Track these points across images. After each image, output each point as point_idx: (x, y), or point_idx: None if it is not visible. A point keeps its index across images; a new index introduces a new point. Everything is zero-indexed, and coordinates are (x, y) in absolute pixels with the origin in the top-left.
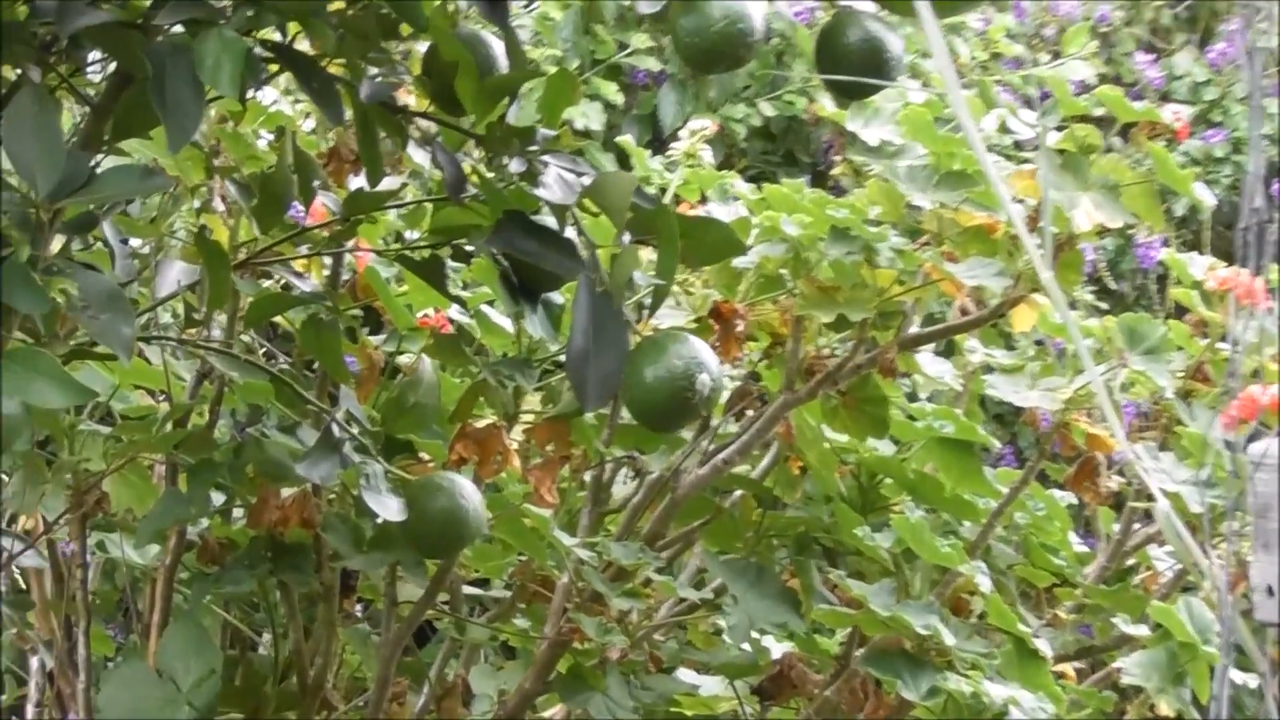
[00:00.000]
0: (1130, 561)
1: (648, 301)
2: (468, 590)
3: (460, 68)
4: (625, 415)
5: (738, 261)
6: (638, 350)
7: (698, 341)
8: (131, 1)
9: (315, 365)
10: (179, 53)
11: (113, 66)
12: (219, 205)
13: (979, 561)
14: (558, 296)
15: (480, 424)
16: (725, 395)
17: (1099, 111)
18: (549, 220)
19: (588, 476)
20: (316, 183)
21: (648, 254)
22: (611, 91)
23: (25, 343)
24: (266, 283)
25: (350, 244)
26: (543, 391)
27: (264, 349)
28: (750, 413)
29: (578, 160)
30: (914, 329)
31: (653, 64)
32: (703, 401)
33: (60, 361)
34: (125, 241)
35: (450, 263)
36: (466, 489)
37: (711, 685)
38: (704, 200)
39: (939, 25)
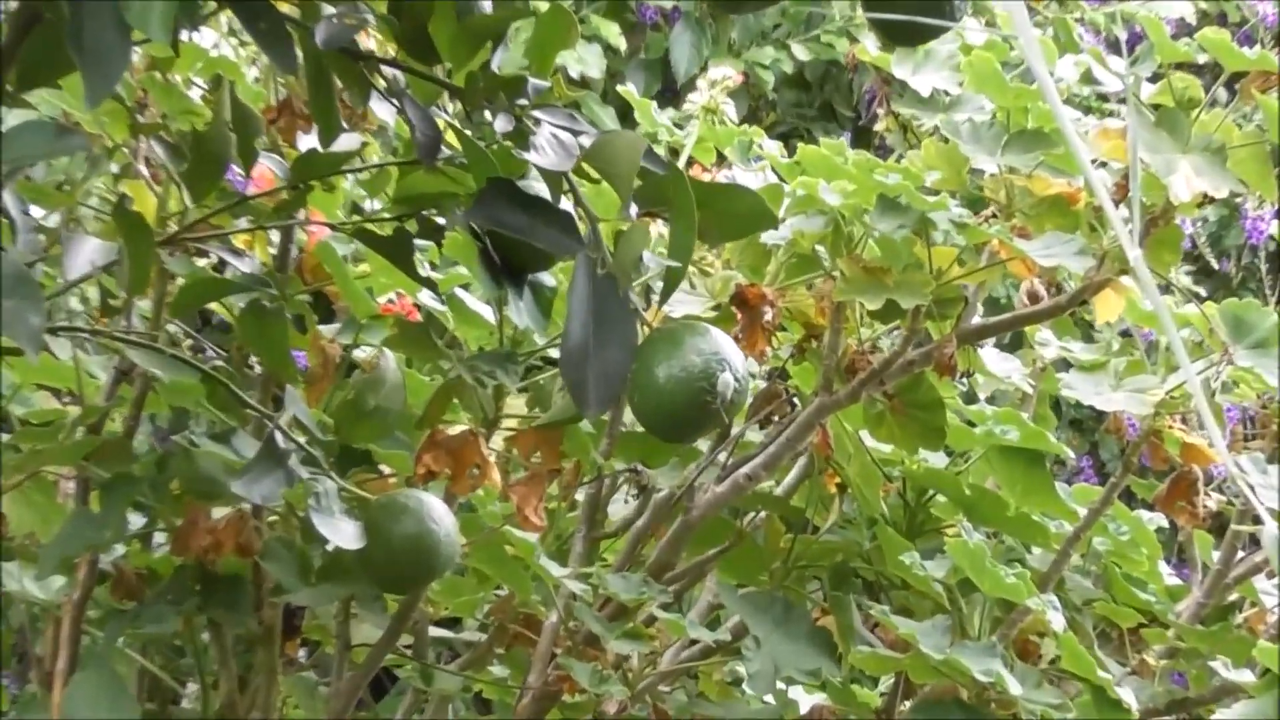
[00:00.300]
0: (1232, 596)
1: (658, 286)
2: (435, 631)
3: (434, 6)
4: (628, 421)
5: (766, 237)
6: (648, 344)
7: (719, 334)
8: None
9: (256, 361)
10: None
11: (16, 2)
12: (143, 169)
13: (1050, 595)
14: (549, 279)
15: (453, 431)
16: (749, 398)
17: (1201, 59)
18: (540, 188)
19: (581, 495)
20: (261, 142)
21: (658, 229)
22: (614, 33)
23: None
24: (199, 262)
25: (300, 216)
26: (529, 392)
27: (194, 342)
28: (778, 419)
29: (575, 116)
30: (976, 319)
31: None
32: (725, 406)
33: None
34: (28, 212)
35: (419, 239)
36: (436, 510)
37: None
38: (723, 163)
39: None
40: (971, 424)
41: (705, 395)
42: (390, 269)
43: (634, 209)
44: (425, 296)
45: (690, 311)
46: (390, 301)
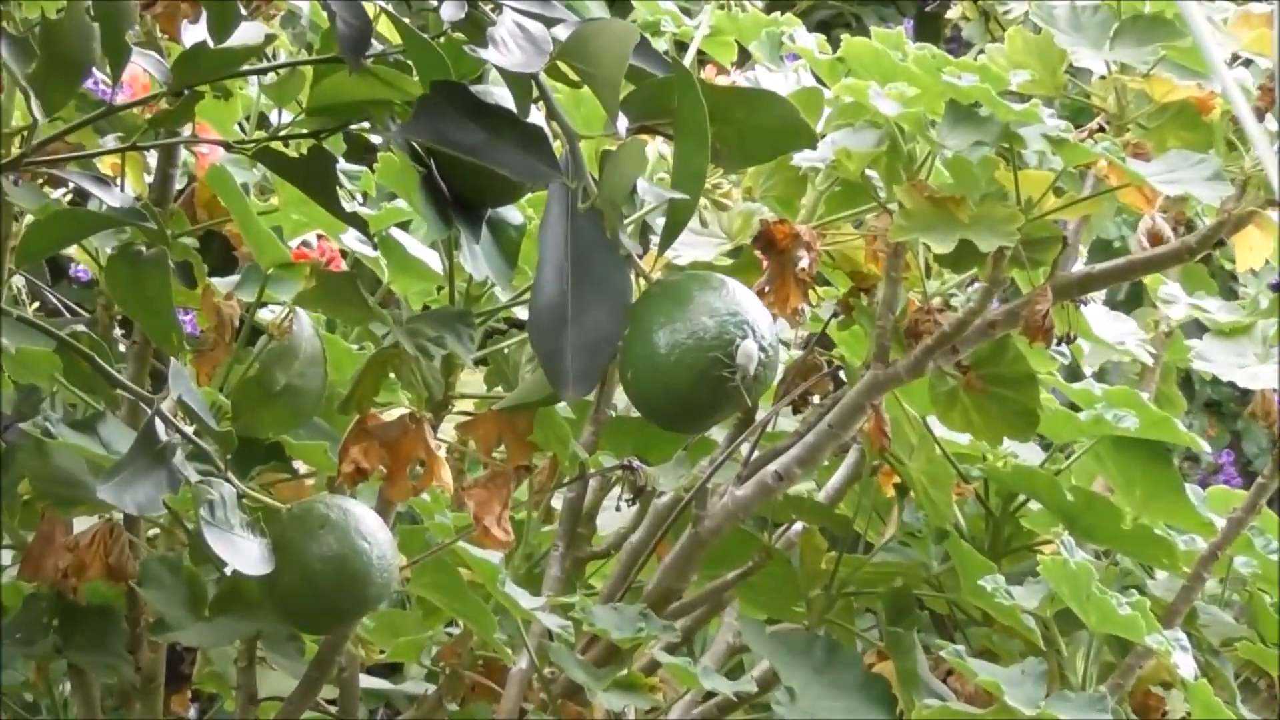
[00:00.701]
0: None
1: (659, 225)
2: (368, 682)
3: None
4: (619, 403)
5: (801, 159)
6: (645, 302)
7: (738, 288)
8: None
9: (130, 325)
10: None
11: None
12: None
13: (1178, 632)
14: (516, 214)
15: (390, 417)
16: (777, 373)
17: None
18: (501, 95)
19: (559, 500)
20: (133, 35)
21: (658, 149)
22: None
23: None
24: (53, 194)
25: (186, 132)
26: (489, 365)
27: (46, 300)
28: (818, 399)
29: (548, 0)
30: (1079, 266)
31: None
32: (747, 384)
33: None
34: None
35: (344, 162)
36: (367, 522)
37: None
38: (746, 62)
39: None
40: (1074, 407)
41: (721, 369)
42: (306, 202)
43: (625, 122)
44: (352, 239)
45: (701, 258)
46: (306, 246)
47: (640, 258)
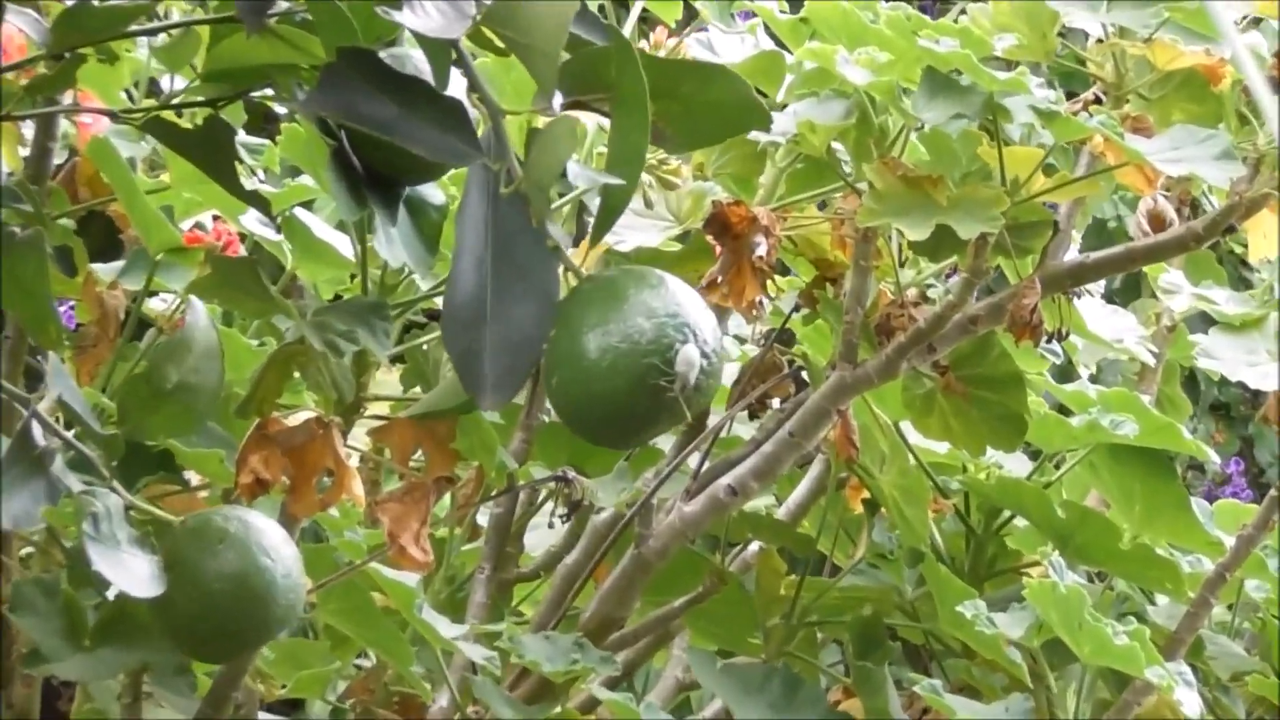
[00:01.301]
0: None
1: (594, 209)
2: (268, 719)
3: None
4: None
5: (759, 134)
6: (575, 300)
7: (680, 286)
8: None
9: (2, 317)
10: None
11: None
12: None
13: (1182, 665)
14: (437, 193)
15: (294, 421)
16: (731, 373)
17: None
18: (418, 62)
19: (485, 516)
20: None
21: (593, 123)
22: None
23: None
24: None
25: (66, 100)
26: (406, 363)
27: None
28: (778, 404)
29: None
30: (1072, 254)
31: None
32: (687, 394)
33: None
34: None
35: (245, 135)
36: (270, 536)
37: None
38: (693, 23)
39: None
40: (1066, 412)
41: (658, 377)
42: (200, 179)
43: (559, 98)
44: (252, 220)
45: (646, 243)
46: (200, 228)
47: (571, 249)
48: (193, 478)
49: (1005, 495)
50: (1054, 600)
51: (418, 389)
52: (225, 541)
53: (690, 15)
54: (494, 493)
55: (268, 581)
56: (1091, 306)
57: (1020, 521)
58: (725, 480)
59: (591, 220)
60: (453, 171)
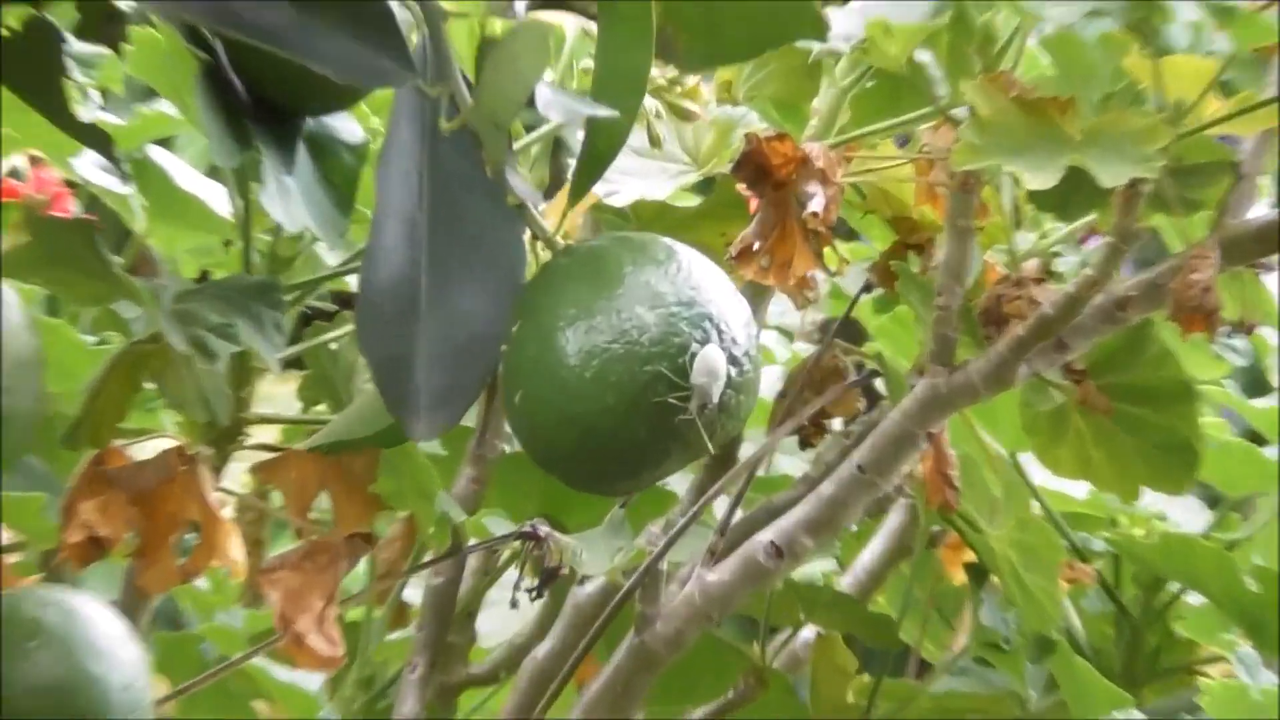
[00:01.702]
0: None
1: (575, 150)
2: None
3: None
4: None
5: (810, 41)
6: (547, 282)
7: (696, 260)
8: None
9: None
10: None
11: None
12: None
13: None
14: (352, 127)
15: (145, 451)
16: (773, 383)
17: None
18: None
19: (417, 590)
20: None
21: (574, 27)
22: None
23: None
24: None
25: None
26: (307, 370)
27: None
28: (839, 425)
29: None
30: (1261, 210)
31: None
32: (709, 416)
33: None
34: None
35: (79, 44)
36: (102, 629)
37: None
38: None
39: None
40: (1257, 439)
41: (666, 392)
42: (16, 107)
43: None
44: (87, 164)
45: (648, 196)
46: (15, 176)
47: (541, 207)
48: (6, 536)
49: (1172, 559)
50: (1242, 707)
51: (322, 407)
52: (39, 638)
53: None
54: (431, 556)
55: (99, 695)
56: None
57: (1193, 597)
58: (766, 536)
59: (572, 165)
60: (374, 97)
